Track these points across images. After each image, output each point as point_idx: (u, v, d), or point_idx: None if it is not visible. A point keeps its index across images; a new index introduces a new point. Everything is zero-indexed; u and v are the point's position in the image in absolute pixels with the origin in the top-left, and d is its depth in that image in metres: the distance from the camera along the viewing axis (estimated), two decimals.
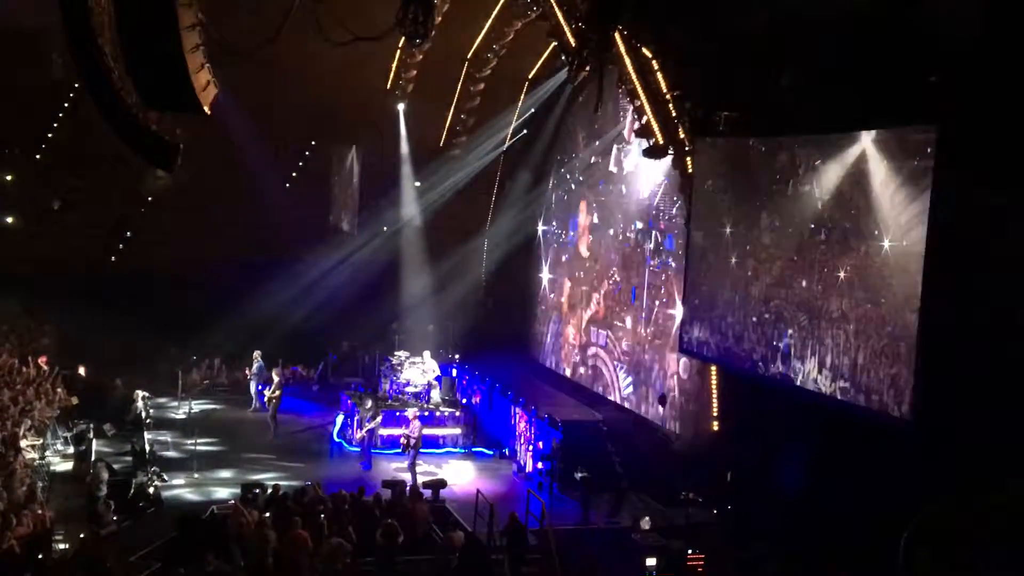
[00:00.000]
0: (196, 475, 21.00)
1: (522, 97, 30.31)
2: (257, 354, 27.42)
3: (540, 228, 31.70)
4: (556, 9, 21.59)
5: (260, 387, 27.41)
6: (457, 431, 24.39)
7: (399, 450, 22.52)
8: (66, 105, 33.29)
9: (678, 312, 21.27)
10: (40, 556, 15.64)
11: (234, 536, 16.17)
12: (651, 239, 23.74)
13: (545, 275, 31.26)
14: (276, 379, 25.59)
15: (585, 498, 19.26)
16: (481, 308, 34.01)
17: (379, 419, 23.20)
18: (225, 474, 21.37)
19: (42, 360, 27.19)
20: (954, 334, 13.10)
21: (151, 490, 19.30)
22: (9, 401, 22.20)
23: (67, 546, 16.57)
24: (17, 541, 15.27)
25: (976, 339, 12.74)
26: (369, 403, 23.45)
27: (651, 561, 16.85)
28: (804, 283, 16.40)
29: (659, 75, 19.85)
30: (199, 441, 22.62)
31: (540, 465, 21.25)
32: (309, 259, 32.34)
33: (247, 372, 28.08)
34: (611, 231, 26.10)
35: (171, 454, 22.42)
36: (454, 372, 27.84)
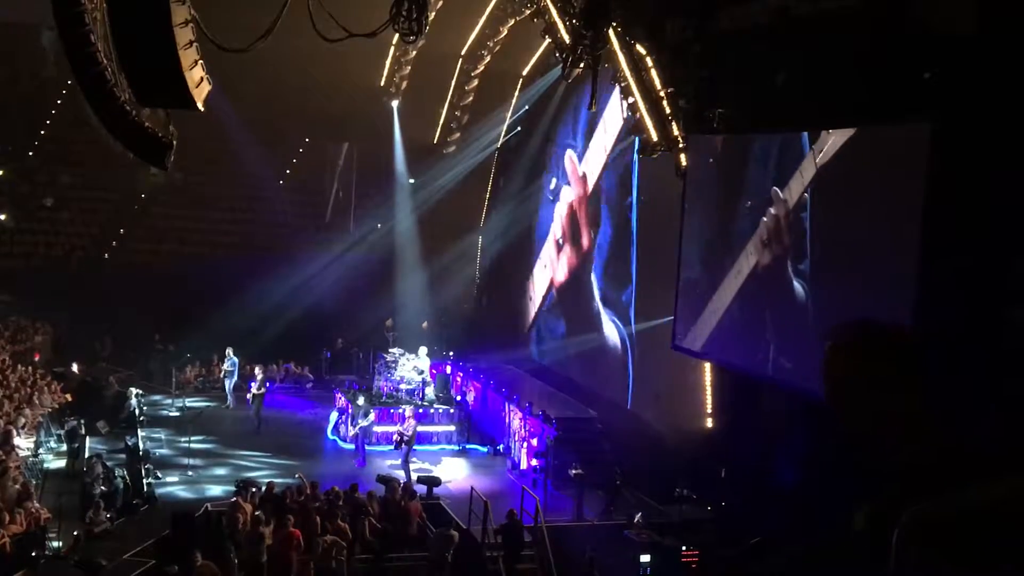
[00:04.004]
0: (190, 472, 20.98)
1: (516, 94, 30.31)
2: (229, 351, 27.28)
3: (535, 223, 31.68)
4: (550, 6, 21.58)
5: (235, 384, 27.33)
6: (451, 428, 24.39)
7: (392, 447, 22.54)
8: (59, 102, 33.26)
9: (671, 309, 21.26)
10: (34, 553, 15.63)
11: (228, 533, 16.18)
12: (646, 236, 23.73)
13: (540, 271, 31.23)
14: (260, 376, 25.53)
15: (579, 495, 19.28)
16: (476, 305, 34.05)
17: (372, 416, 23.17)
18: (219, 471, 21.35)
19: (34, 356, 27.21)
20: (949, 332, 13.11)
21: (145, 487, 19.28)
22: (3, 399, 22.17)
23: (61, 543, 16.56)
24: (11, 539, 15.26)
25: (971, 337, 12.75)
26: (362, 400, 23.45)
27: (645, 557, 16.88)
28: (798, 280, 16.41)
29: (653, 72, 19.83)
30: (193, 438, 22.58)
31: (534, 462, 21.27)
32: (303, 256, 32.31)
33: (219, 369, 27.96)
34: (606, 227, 26.08)
35: (165, 451, 22.38)
36: (448, 369, 27.85)
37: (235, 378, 27.09)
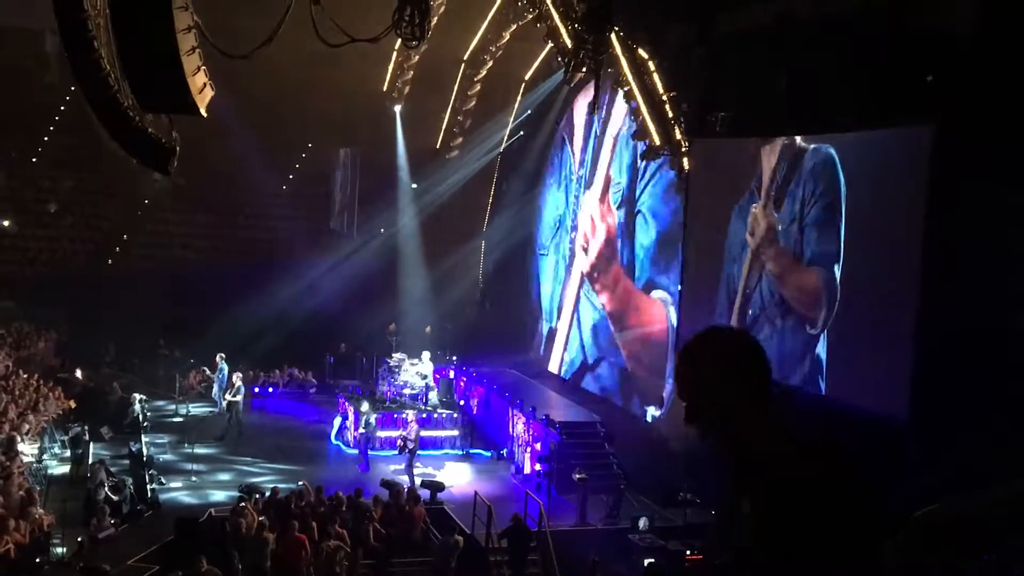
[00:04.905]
0: (194, 478, 20.97)
1: (518, 98, 30.33)
2: (220, 357, 27.04)
3: (537, 228, 31.70)
4: (553, 11, 21.60)
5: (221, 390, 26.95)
6: (454, 433, 24.36)
7: (396, 451, 22.53)
8: (62, 108, 33.32)
9: (676, 312, 21.27)
10: (38, 560, 15.63)
11: (232, 539, 16.16)
12: (650, 238, 23.71)
13: (543, 274, 31.23)
14: (236, 383, 25.17)
15: (583, 499, 19.25)
16: (479, 309, 34.04)
17: (374, 421, 23.11)
18: (223, 477, 21.35)
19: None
20: (951, 334, 13.10)
21: (149, 493, 19.28)
22: (8, 405, 22.18)
23: (65, 549, 16.55)
24: (15, 545, 15.26)
25: (974, 339, 12.73)
26: (365, 405, 23.42)
27: (649, 561, 16.86)
28: (801, 282, 16.41)
29: (655, 76, 19.86)
30: (196, 444, 22.59)
31: (538, 466, 21.24)
32: (306, 261, 32.33)
33: (210, 374, 27.81)
34: (609, 229, 26.07)
35: (168, 457, 22.37)
36: (451, 373, 27.82)
37: (225, 384, 26.93)
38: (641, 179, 23.85)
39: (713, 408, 2.87)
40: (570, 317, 28.32)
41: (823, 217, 15.98)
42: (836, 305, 15.56)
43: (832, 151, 15.77)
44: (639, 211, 24.09)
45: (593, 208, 26.44)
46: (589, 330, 27.07)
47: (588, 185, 27.12)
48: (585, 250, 27.09)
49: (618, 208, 25.11)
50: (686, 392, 2.93)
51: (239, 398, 24.89)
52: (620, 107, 23.53)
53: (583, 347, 27.48)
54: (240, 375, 25.67)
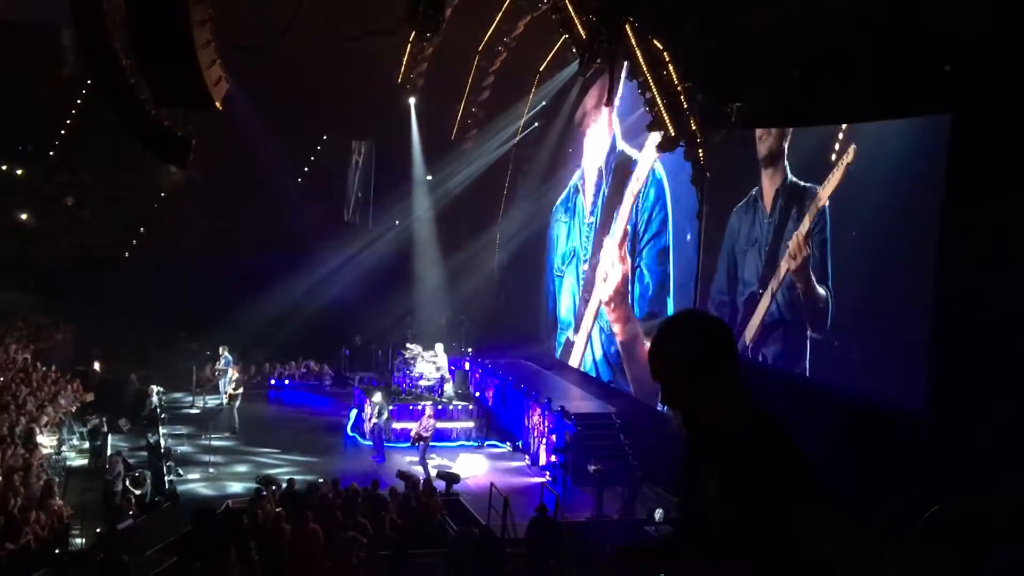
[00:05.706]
0: (211, 470, 21.09)
1: (533, 90, 30.25)
2: (223, 349, 27.02)
3: (553, 219, 31.66)
4: (567, 2, 21.51)
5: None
6: (470, 424, 24.41)
7: (409, 443, 22.59)
8: (79, 102, 33.47)
9: (689, 304, 21.20)
10: (57, 551, 15.75)
11: (249, 530, 16.24)
12: (665, 231, 23.65)
13: (560, 292, 31.17)
14: (236, 375, 25.24)
15: (599, 491, 19.25)
16: (494, 301, 34.03)
17: (386, 413, 23.17)
18: (239, 468, 21.47)
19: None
20: (968, 325, 13.02)
21: (167, 485, 19.40)
22: (27, 397, 22.35)
23: (83, 541, 16.68)
24: (34, 536, 15.38)
25: (990, 330, 12.65)
26: (378, 396, 23.47)
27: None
28: (817, 274, 16.34)
29: (670, 67, 19.74)
30: (213, 436, 22.72)
31: (553, 458, 21.26)
32: (322, 253, 32.40)
33: (215, 368, 27.83)
34: (623, 222, 26.02)
35: (185, 449, 22.51)
36: (467, 365, 27.84)
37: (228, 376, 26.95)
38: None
39: (687, 387, 3.02)
40: (586, 338, 28.32)
41: (823, 245, 16.07)
42: (835, 316, 15.68)
43: (818, 188, 16.06)
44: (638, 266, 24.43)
45: (612, 252, 26.49)
46: (601, 353, 27.16)
47: (607, 231, 27.04)
48: (605, 281, 27.12)
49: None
50: (661, 374, 3.07)
51: (240, 391, 25.02)
52: (643, 165, 23.97)
53: (596, 365, 27.55)
54: (237, 366, 25.85)
